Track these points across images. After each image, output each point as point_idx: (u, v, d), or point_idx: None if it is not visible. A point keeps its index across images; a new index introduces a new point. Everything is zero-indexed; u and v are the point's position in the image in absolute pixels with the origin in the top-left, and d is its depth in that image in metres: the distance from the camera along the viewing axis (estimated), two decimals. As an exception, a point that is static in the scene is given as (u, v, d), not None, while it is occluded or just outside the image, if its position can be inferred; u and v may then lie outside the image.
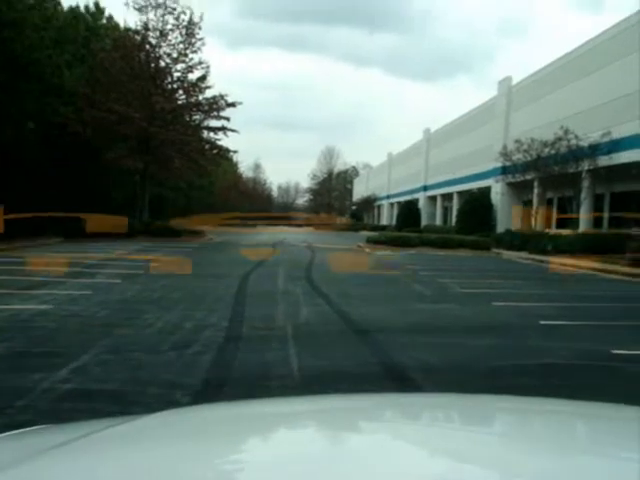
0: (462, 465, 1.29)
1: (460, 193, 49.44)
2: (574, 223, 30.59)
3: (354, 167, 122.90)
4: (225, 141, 44.76)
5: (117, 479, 1.20)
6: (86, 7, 37.16)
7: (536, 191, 35.16)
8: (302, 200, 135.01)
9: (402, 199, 68.76)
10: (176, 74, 36.72)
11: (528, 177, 33.86)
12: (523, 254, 28.70)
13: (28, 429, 1.75)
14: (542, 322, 9.94)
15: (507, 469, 1.25)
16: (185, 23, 35.41)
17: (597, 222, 31.41)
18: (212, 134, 38.74)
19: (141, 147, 34.46)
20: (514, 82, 42.17)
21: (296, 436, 1.57)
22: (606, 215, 31.71)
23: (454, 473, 1.22)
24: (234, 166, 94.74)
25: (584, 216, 30.86)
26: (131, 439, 1.52)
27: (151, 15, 35.32)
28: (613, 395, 5.48)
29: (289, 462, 1.26)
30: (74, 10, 34.87)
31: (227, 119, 37.14)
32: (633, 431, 1.62)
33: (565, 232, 30.86)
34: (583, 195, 30.42)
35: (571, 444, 1.48)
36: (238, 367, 6.52)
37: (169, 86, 36.99)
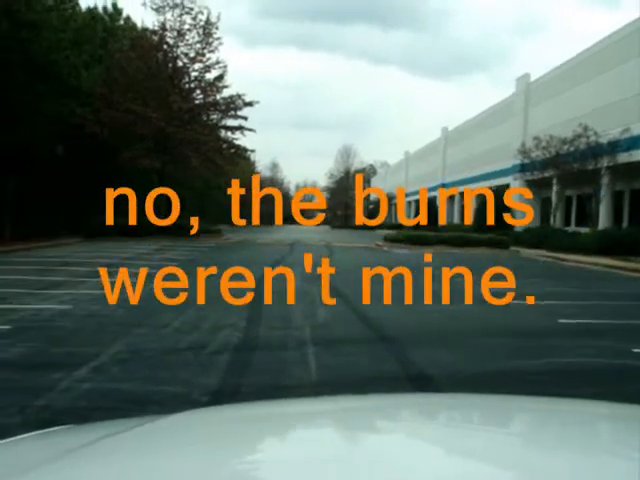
0: (479, 465, 1.28)
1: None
2: (594, 220, 30.37)
3: (372, 165, 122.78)
4: (242, 140, 44.77)
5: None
6: (104, 8, 37.41)
7: (555, 188, 34.96)
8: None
9: (419, 197, 68.59)
10: (193, 74, 36.87)
11: (547, 174, 33.69)
12: (542, 252, 28.53)
13: (49, 430, 1.76)
14: (561, 320, 9.87)
15: (524, 469, 1.24)
16: (202, 23, 35.53)
17: (617, 219, 31.17)
18: (229, 133, 38.86)
19: (158, 147, 34.59)
20: (532, 79, 41.95)
21: (313, 436, 1.58)
22: (626, 212, 31.47)
23: (471, 473, 1.21)
24: (251, 165, 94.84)
25: (603, 214, 30.64)
26: (152, 440, 1.53)
27: (168, 15, 35.47)
28: (630, 393, 5.43)
29: (306, 462, 1.27)
30: (92, 11, 35.07)
31: (244, 118, 37.24)
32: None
33: (584, 230, 30.67)
34: (602, 192, 30.20)
35: (589, 444, 1.46)
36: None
37: (186, 86, 37.11)
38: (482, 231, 36.48)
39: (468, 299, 12.48)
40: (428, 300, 12.32)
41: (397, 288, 14.23)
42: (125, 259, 19.47)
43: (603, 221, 30.43)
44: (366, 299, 11.81)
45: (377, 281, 15.57)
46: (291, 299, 11.60)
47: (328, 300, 11.63)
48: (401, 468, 1.20)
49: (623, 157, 28.48)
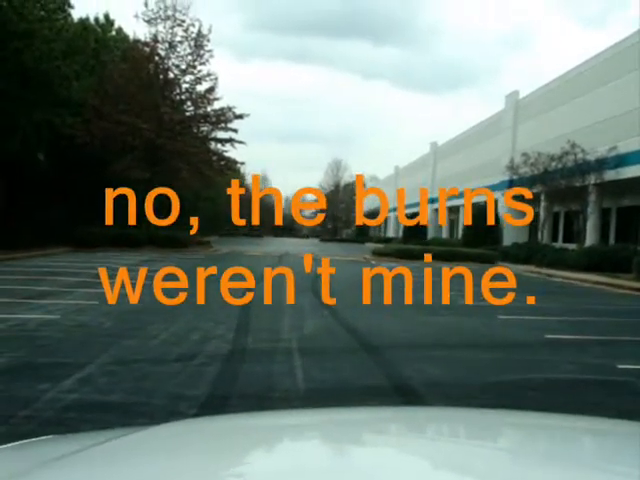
0: (466, 479, 1.29)
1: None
2: (581, 237, 30.53)
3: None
4: (232, 153, 44.74)
5: None
6: (96, 19, 37.41)
7: (543, 205, 35.12)
8: (309, 212, 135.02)
9: (409, 211, 68.73)
10: (184, 85, 36.94)
11: (535, 191, 33.84)
12: (529, 267, 28.63)
13: (32, 440, 1.75)
14: (548, 336, 9.92)
15: None
16: (194, 35, 35.63)
17: (604, 236, 31.34)
18: (219, 145, 38.91)
19: (149, 158, 34.55)
20: (521, 96, 42.20)
21: (299, 449, 1.57)
22: (613, 229, 31.66)
23: None
24: (241, 178, 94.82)
25: (591, 230, 30.79)
26: (135, 451, 1.52)
27: (160, 27, 35.57)
28: (617, 410, 5.47)
29: (293, 475, 1.26)
30: (84, 22, 35.05)
31: (235, 131, 37.30)
32: (636, 447, 1.62)
33: (571, 246, 30.82)
34: (590, 209, 30.36)
35: (574, 459, 1.47)
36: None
37: (177, 97, 37.16)
38: (470, 246, 36.61)
39: (454, 312, 12.53)
40: (419, 311, 12.36)
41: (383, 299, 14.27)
42: (114, 270, 19.40)
43: (590, 238, 30.58)
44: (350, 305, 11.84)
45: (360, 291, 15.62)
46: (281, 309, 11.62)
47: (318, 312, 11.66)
48: None
49: (610, 174, 28.67)
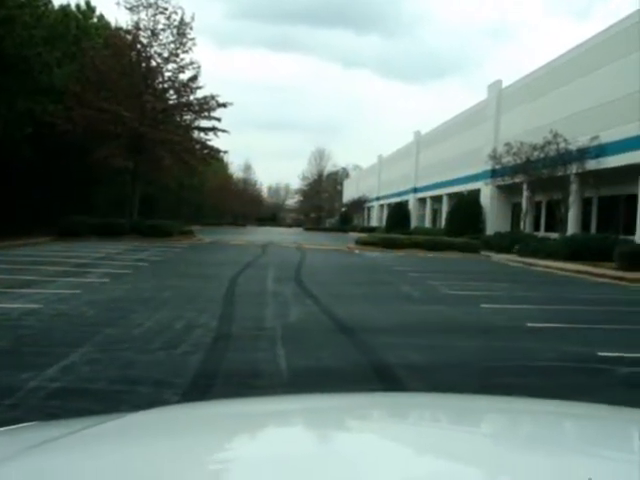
0: (449, 464, 1.30)
1: (450, 195, 49.57)
2: (563, 226, 30.74)
3: (344, 168, 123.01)
4: (216, 141, 44.62)
5: (104, 476, 1.21)
6: (77, 6, 37.02)
7: (525, 194, 35.31)
8: (292, 201, 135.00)
9: (392, 201, 68.90)
10: (167, 74, 36.63)
11: (517, 180, 34.02)
12: (512, 256, 28.81)
13: (17, 426, 1.75)
14: (529, 324, 10.01)
15: (495, 468, 1.26)
16: (176, 23, 35.31)
17: (585, 225, 31.58)
18: (203, 134, 38.71)
19: (132, 146, 34.34)
20: (504, 85, 42.32)
21: (284, 435, 1.58)
22: (594, 218, 31.90)
23: (441, 472, 1.22)
24: (225, 167, 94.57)
25: (572, 220, 31.01)
26: (120, 436, 1.52)
27: (142, 15, 35.20)
28: (598, 396, 5.54)
29: (276, 461, 1.27)
30: (65, 8, 34.71)
31: (218, 119, 37.13)
32: (620, 431, 1.66)
33: (554, 235, 31.03)
34: (571, 198, 30.57)
35: (559, 444, 1.49)
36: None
37: (160, 86, 36.89)
38: (455, 235, 36.79)
39: (438, 301, 12.61)
40: (402, 300, 12.43)
41: (368, 289, 14.33)
42: (96, 259, 19.34)
43: (572, 227, 30.81)
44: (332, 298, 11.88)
45: (349, 282, 15.69)
46: (263, 299, 11.64)
47: (298, 301, 11.69)
48: (371, 468, 1.21)
49: (591, 164, 28.86)
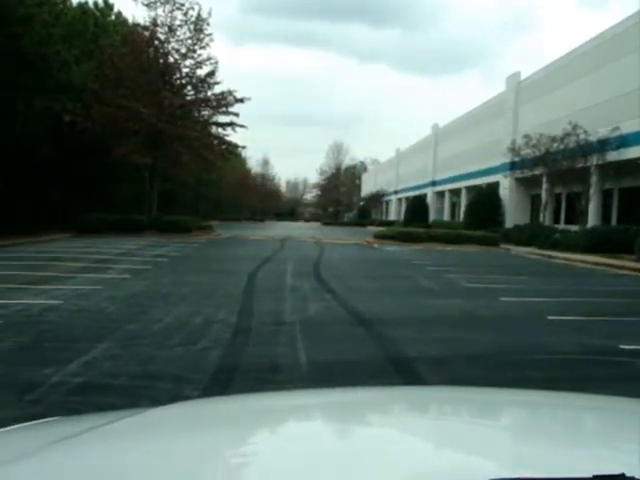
0: (468, 457, 1.30)
1: (468, 188, 49.36)
2: (583, 218, 30.50)
3: (362, 162, 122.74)
4: (234, 137, 44.60)
5: (125, 471, 1.22)
6: (95, 3, 37.26)
7: (545, 186, 35.06)
8: (310, 195, 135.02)
9: (410, 194, 68.72)
10: (185, 70, 36.77)
11: (537, 172, 33.79)
12: (531, 249, 28.65)
13: (39, 421, 1.77)
14: (550, 317, 9.94)
15: (513, 461, 1.26)
16: (193, 19, 35.43)
17: (606, 217, 31.31)
18: (220, 130, 38.82)
19: (150, 143, 34.49)
20: (523, 77, 42.03)
21: (303, 430, 1.58)
22: (615, 210, 31.62)
23: (459, 465, 1.22)
24: (243, 162, 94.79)
25: (592, 212, 30.77)
26: (140, 432, 1.54)
27: (160, 11, 35.36)
28: (618, 388, 5.50)
29: (296, 455, 1.27)
30: (83, 6, 34.93)
31: (236, 115, 37.19)
32: (637, 424, 1.65)
33: (574, 227, 30.80)
34: (592, 190, 30.31)
35: (578, 436, 1.49)
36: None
37: (178, 82, 37.02)
38: (473, 228, 36.63)
39: (457, 294, 12.56)
40: (421, 294, 12.40)
41: (387, 283, 14.31)
42: (116, 255, 19.46)
43: (592, 219, 30.56)
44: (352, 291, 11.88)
45: (367, 276, 15.68)
46: (282, 293, 11.66)
47: (317, 295, 11.70)
48: (390, 461, 1.21)
49: (612, 155, 28.60)
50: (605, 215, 31.39)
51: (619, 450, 1.37)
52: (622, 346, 7.73)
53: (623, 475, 0.87)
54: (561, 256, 24.67)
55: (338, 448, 1.37)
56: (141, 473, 1.20)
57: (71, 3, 32.77)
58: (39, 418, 1.86)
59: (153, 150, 34.78)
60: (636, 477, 0.86)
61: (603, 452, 1.35)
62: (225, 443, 1.42)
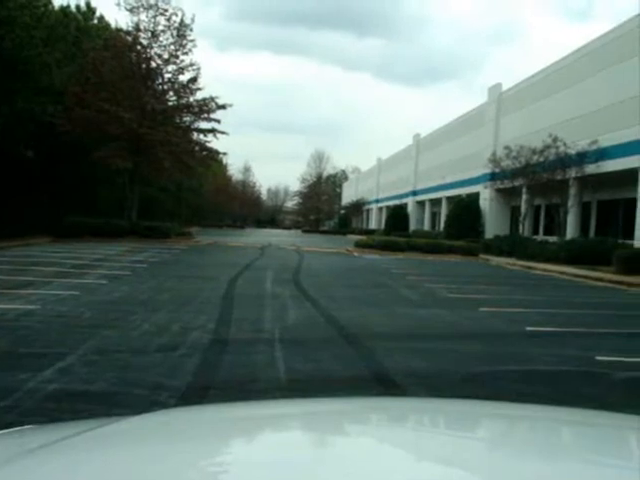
0: (447, 469, 1.29)
1: (449, 198, 49.55)
2: (561, 230, 30.74)
3: (343, 171, 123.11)
4: (215, 143, 44.57)
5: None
6: (77, 7, 37.05)
7: (524, 197, 35.30)
8: (291, 203, 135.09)
9: (391, 203, 68.88)
10: (167, 75, 36.73)
11: (517, 184, 33.99)
12: (511, 260, 28.82)
13: (13, 429, 1.74)
14: (528, 328, 9.99)
15: (492, 473, 1.25)
16: (176, 24, 35.39)
17: (584, 229, 31.57)
18: (202, 136, 38.75)
19: (131, 147, 34.35)
20: (504, 89, 42.33)
21: (282, 439, 1.57)
22: (593, 222, 31.90)
23: (438, 477, 1.22)
24: (224, 168, 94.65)
25: (571, 223, 31.02)
26: (116, 440, 1.52)
27: (142, 16, 35.30)
28: (595, 400, 5.52)
29: (274, 465, 1.26)
30: (65, 9, 34.73)
31: (217, 121, 37.18)
32: (617, 438, 1.66)
33: (552, 239, 31.02)
34: (570, 202, 30.56)
35: (557, 450, 1.48)
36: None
37: (160, 87, 36.95)
38: (454, 238, 36.79)
39: (437, 305, 12.59)
40: (400, 303, 12.41)
41: (367, 292, 14.32)
42: (95, 260, 19.32)
43: (571, 231, 30.80)
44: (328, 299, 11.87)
45: (348, 285, 15.68)
46: (261, 301, 11.63)
47: (296, 304, 11.68)
48: (369, 472, 1.20)
49: (591, 168, 28.86)
50: (583, 227, 31.65)
51: (600, 465, 1.36)
52: (598, 357, 7.78)
53: None
54: (540, 267, 24.83)
55: (316, 458, 1.36)
56: None
57: (53, 6, 32.56)
58: (14, 425, 1.83)
59: (134, 155, 34.62)
60: None
61: (583, 467, 1.35)
62: (202, 452, 1.40)
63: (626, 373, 7.09)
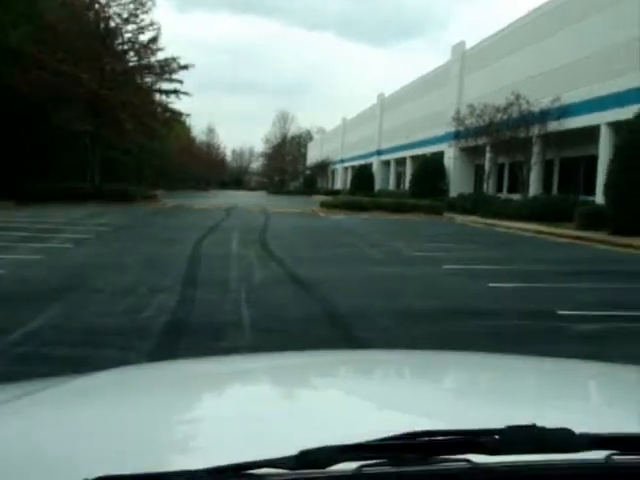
0: (413, 418, 1.32)
1: (413, 158, 49.62)
2: (525, 188, 31.05)
3: (308, 131, 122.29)
4: (178, 104, 43.97)
5: (58, 436, 1.18)
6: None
7: (488, 156, 35.51)
8: (256, 164, 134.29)
9: (356, 163, 68.77)
10: (127, 35, 36.00)
11: (480, 142, 34.16)
12: (475, 218, 29.10)
13: None
14: (491, 284, 10.17)
15: (456, 419, 1.28)
16: (135, -18, 34.55)
17: (547, 187, 31.92)
18: (164, 97, 38.25)
19: (91, 109, 33.75)
20: (468, 47, 42.24)
21: (249, 393, 1.59)
22: (556, 180, 32.26)
23: (403, 424, 1.27)
24: (187, 130, 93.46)
25: (534, 181, 31.34)
26: (80, 397, 1.51)
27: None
28: (553, 350, 5.68)
29: (242, 419, 1.27)
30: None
31: (180, 82, 36.73)
32: (577, 382, 1.73)
33: (516, 197, 31.34)
34: (533, 160, 30.83)
35: (517, 396, 1.53)
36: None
37: (119, 47, 36.23)
38: (419, 197, 36.95)
39: (401, 263, 12.73)
40: (365, 262, 12.52)
41: (332, 251, 14.40)
42: (59, 224, 19.10)
43: (534, 188, 31.12)
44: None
45: (311, 245, 15.74)
46: (227, 262, 11.66)
47: (262, 264, 11.73)
48: (335, 423, 1.22)
49: (553, 125, 29.09)
50: (546, 184, 31.98)
51: (559, 408, 1.40)
52: (559, 311, 7.96)
53: (534, 425, 0.90)
54: (504, 224, 25.12)
55: (284, 411, 1.38)
56: (80, 439, 1.16)
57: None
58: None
59: (94, 117, 34.03)
60: (547, 427, 0.89)
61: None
62: (169, 407, 1.40)
63: (585, 326, 7.28)
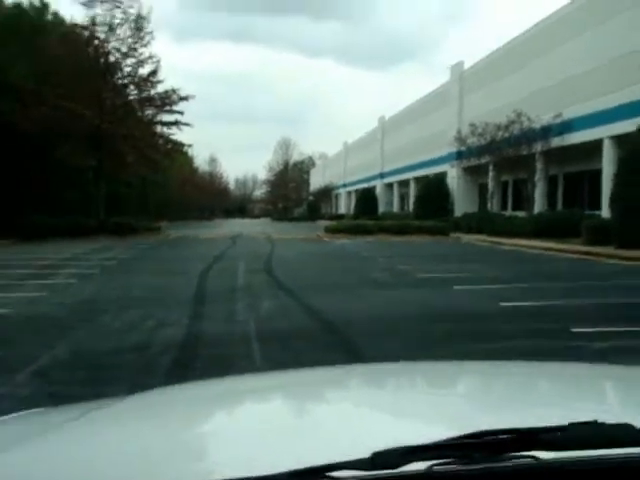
0: (427, 427, 1.34)
1: (417, 179, 49.67)
2: (529, 204, 30.98)
3: (310, 157, 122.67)
4: (179, 135, 44.25)
5: (101, 461, 1.19)
6: (30, 3, 36.31)
7: (491, 174, 35.52)
8: (260, 192, 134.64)
9: (359, 187, 68.92)
10: (126, 69, 36.23)
11: (483, 161, 34.20)
12: (481, 237, 29.01)
13: (22, 413, 1.77)
14: (502, 304, 10.03)
15: (470, 426, 1.27)
16: (133, 17, 34.86)
17: (552, 203, 31.85)
18: (165, 129, 38.43)
19: (93, 144, 33.87)
20: (466, 67, 42.45)
21: (264, 411, 1.61)
22: (560, 195, 32.19)
23: (419, 434, 1.26)
24: (190, 160, 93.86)
25: (539, 197, 31.27)
26: (111, 422, 1.54)
27: (98, 10, 34.67)
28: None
29: (258, 436, 1.27)
30: (19, 6, 34.07)
31: (180, 113, 36.90)
32: (590, 385, 1.76)
33: (521, 214, 31.26)
34: (537, 177, 30.82)
35: (526, 400, 1.57)
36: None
37: (120, 81, 36.45)
38: (423, 218, 36.89)
39: (409, 285, 12.62)
40: (374, 286, 12.42)
41: (339, 277, 14.30)
42: (63, 260, 19.04)
43: (538, 205, 31.06)
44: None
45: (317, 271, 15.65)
46: (234, 293, 11.56)
47: (270, 293, 11.63)
48: (349, 437, 1.22)
49: (556, 141, 29.11)
50: (551, 200, 31.93)
51: (569, 409, 1.42)
52: (573, 329, 7.82)
53: (595, 421, 0.94)
54: (509, 242, 25.02)
55: (298, 427, 1.40)
56: (115, 463, 1.17)
57: (5, 4, 31.91)
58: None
59: (96, 151, 34.14)
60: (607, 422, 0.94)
61: (558, 412, 1.39)
62: (190, 428, 1.45)
63: (600, 343, 7.13)
